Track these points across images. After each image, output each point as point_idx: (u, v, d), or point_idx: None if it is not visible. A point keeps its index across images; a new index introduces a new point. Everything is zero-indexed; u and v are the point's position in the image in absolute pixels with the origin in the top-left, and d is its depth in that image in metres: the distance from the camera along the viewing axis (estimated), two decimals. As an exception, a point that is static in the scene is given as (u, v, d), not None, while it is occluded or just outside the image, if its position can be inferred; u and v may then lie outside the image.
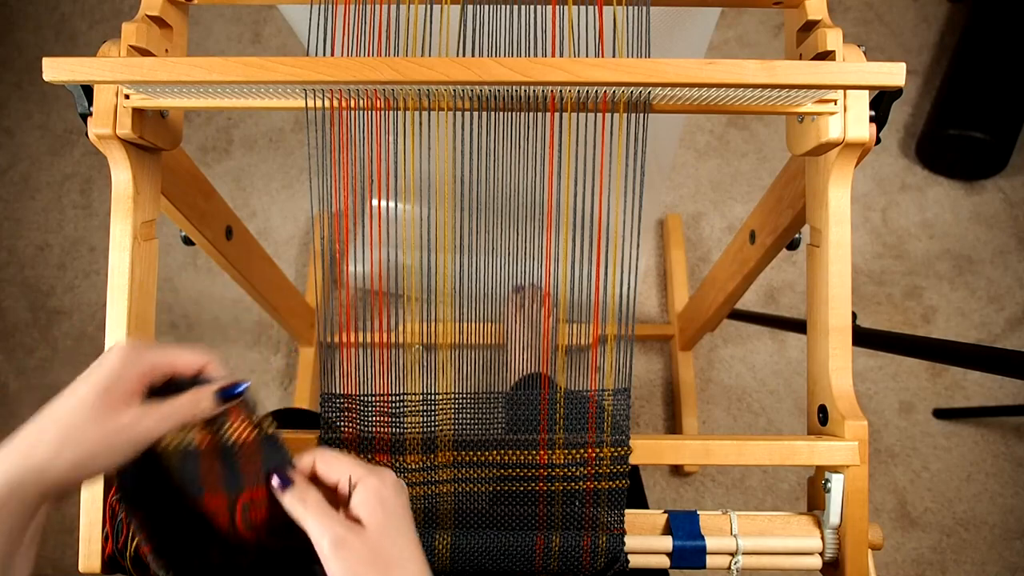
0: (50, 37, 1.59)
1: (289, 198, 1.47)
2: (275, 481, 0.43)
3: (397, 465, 0.55)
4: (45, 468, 0.38)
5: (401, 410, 0.55)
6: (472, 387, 0.56)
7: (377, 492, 0.42)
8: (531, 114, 0.54)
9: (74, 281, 1.43)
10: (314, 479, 0.44)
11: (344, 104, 0.53)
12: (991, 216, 1.42)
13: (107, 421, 0.39)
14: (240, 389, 0.44)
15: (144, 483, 0.45)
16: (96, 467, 0.39)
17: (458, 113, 0.53)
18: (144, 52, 0.55)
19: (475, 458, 0.55)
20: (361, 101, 0.53)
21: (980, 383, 1.32)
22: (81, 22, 1.60)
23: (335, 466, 0.43)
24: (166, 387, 0.44)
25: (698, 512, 0.55)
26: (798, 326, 1.00)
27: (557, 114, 0.53)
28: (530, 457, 0.55)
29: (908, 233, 1.42)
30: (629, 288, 0.54)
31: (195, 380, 0.45)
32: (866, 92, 0.54)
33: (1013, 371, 0.62)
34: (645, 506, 0.73)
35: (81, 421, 0.39)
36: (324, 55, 0.53)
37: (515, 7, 0.53)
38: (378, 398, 0.55)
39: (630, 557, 0.54)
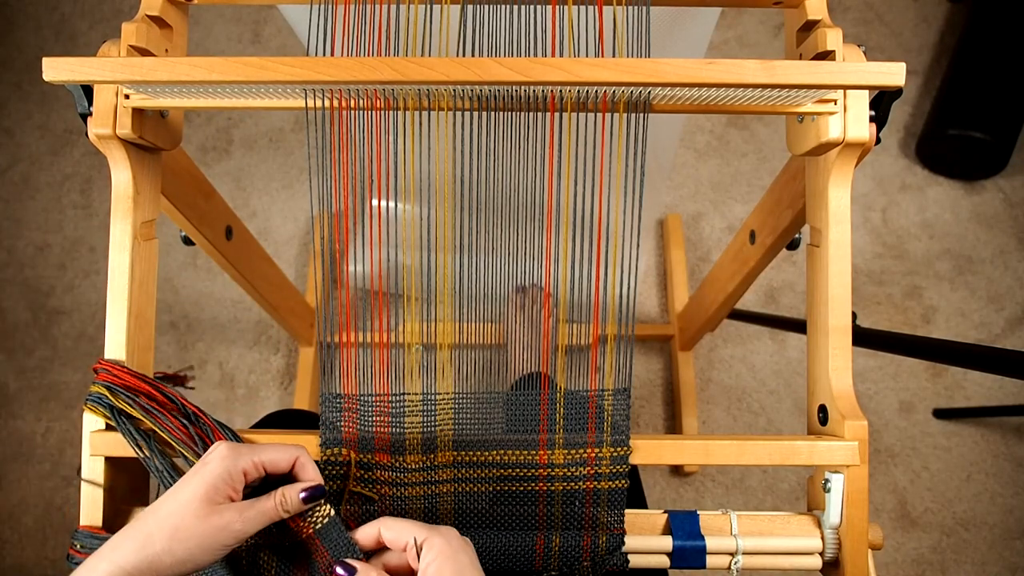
0: (50, 37, 1.59)
1: (289, 198, 1.47)
2: (339, 570, 0.45)
3: (397, 465, 0.55)
4: (157, 562, 0.41)
5: (401, 410, 0.55)
6: (472, 387, 0.56)
7: (443, 552, 0.43)
8: (531, 114, 0.54)
9: (74, 281, 1.43)
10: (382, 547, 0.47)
11: (344, 104, 0.53)
12: (991, 216, 1.42)
13: (210, 520, 0.42)
14: (322, 490, 0.47)
15: None
16: (200, 561, 0.42)
17: (458, 113, 0.53)
18: (144, 52, 0.55)
19: (475, 458, 0.55)
20: (361, 101, 0.53)
21: (980, 383, 1.32)
22: (81, 22, 1.60)
23: (399, 531, 0.45)
24: (263, 483, 0.47)
25: (698, 512, 0.55)
26: (798, 326, 1.00)
27: (557, 114, 0.53)
28: (530, 457, 0.55)
29: (908, 233, 1.42)
30: (629, 288, 0.54)
31: (287, 476, 0.48)
32: (866, 92, 0.54)
33: (1013, 371, 0.62)
34: (644, 506, 0.73)
35: (189, 520, 0.42)
36: (324, 55, 0.53)
37: (515, 7, 0.53)
38: (378, 398, 0.55)
39: (630, 557, 0.54)
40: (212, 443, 0.52)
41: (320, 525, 0.47)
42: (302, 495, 0.46)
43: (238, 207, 1.46)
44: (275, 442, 0.54)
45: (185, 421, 0.52)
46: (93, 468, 0.54)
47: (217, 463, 0.44)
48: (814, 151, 0.57)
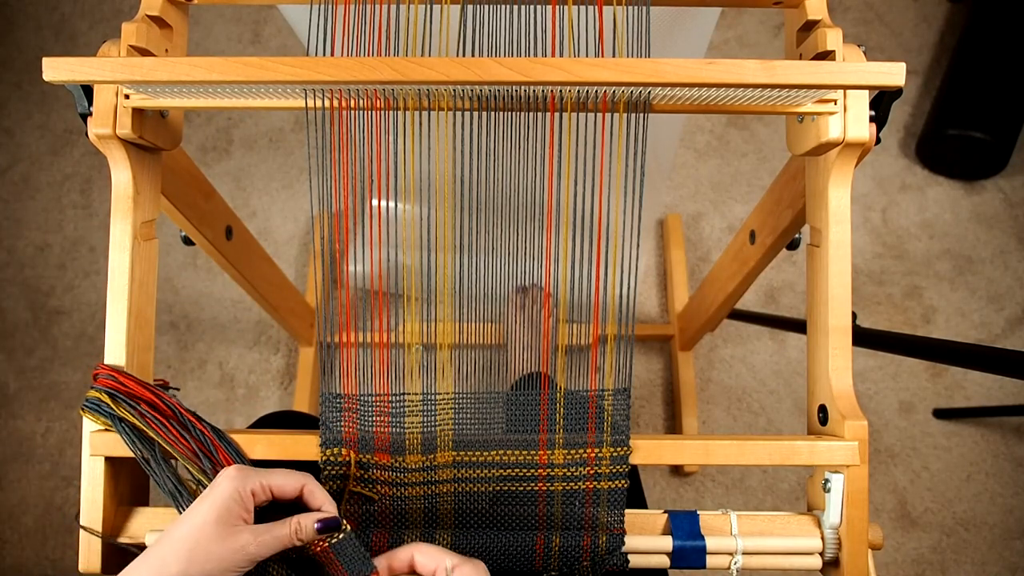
0: (50, 37, 1.59)
1: (289, 198, 1.47)
2: None
3: (397, 465, 0.55)
4: None
5: (401, 410, 0.55)
6: (472, 387, 0.56)
7: None
8: (531, 114, 0.54)
9: (74, 281, 1.43)
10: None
11: (344, 104, 0.53)
12: (991, 216, 1.42)
13: (227, 541, 0.43)
14: (338, 523, 0.48)
15: None
16: None
17: (458, 113, 0.53)
18: (144, 52, 0.55)
19: (475, 458, 0.55)
20: (361, 101, 0.53)
21: (980, 383, 1.32)
22: (81, 22, 1.60)
23: (433, 556, 0.47)
24: (271, 506, 0.48)
25: (698, 512, 0.55)
26: (798, 326, 1.00)
27: (557, 114, 0.53)
28: (530, 457, 0.55)
29: (908, 233, 1.42)
30: (629, 288, 0.54)
31: (295, 501, 0.49)
32: (866, 92, 0.54)
33: (1013, 371, 0.62)
34: (644, 506, 0.73)
35: (204, 540, 0.43)
36: (324, 55, 0.53)
37: (515, 7, 0.53)
38: (378, 398, 0.55)
39: (630, 557, 0.54)
40: (212, 453, 0.52)
41: (336, 540, 0.48)
42: (317, 526, 0.47)
43: (238, 207, 1.46)
44: (275, 440, 0.54)
45: (185, 433, 0.52)
46: (93, 468, 0.54)
47: (227, 484, 0.45)
48: (814, 151, 0.57)
